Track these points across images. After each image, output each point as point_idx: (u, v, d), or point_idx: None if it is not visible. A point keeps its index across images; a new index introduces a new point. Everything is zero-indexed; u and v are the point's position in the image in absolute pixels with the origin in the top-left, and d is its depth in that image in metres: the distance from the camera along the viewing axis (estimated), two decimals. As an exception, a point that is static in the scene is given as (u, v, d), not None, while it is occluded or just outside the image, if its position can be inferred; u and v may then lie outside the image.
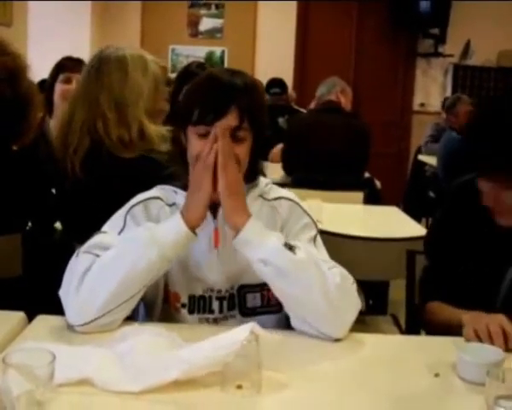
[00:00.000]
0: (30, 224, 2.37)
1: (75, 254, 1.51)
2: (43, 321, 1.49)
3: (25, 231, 2.24)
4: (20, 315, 1.50)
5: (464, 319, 1.54)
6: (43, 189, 2.29)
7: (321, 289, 1.46)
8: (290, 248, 1.48)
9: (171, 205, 1.63)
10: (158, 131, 2.21)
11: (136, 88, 2.19)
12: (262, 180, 1.69)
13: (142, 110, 2.19)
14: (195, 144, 1.55)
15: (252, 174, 1.64)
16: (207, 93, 1.55)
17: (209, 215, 1.59)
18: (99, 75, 2.20)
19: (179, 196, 1.62)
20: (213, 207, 1.58)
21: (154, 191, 1.66)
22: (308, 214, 1.67)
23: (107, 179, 2.17)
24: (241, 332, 1.24)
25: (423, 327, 1.94)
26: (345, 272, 1.55)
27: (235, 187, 1.51)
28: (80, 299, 1.45)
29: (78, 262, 1.49)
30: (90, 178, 2.20)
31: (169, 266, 1.52)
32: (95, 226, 1.60)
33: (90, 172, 2.20)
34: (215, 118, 1.52)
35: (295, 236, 1.61)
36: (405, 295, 2.23)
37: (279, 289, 1.50)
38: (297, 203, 1.68)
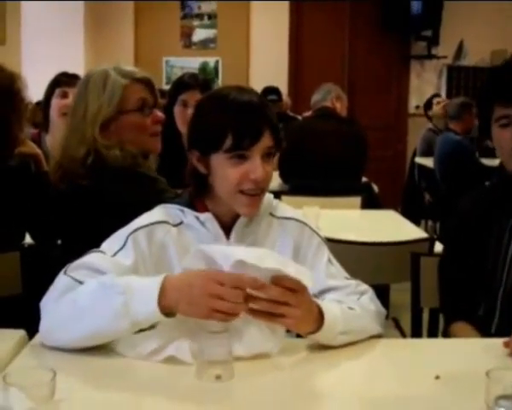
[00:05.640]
0: (31, 240, 2.37)
1: (63, 270, 1.48)
2: (44, 339, 1.48)
3: (24, 249, 2.24)
4: (20, 333, 1.50)
5: None
6: (39, 203, 2.28)
7: (376, 325, 1.57)
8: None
9: (178, 224, 1.57)
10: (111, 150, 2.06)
11: (92, 103, 2.07)
12: (268, 195, 1.64)
13: (98, 126, 2.05)
14: (233, 172, 1.50)
15: None
16: (239, 118, 1.49)
17: (222, 235, 1.56)
18: (80, 90, 2.13)
19: (187, 215, 1.57)
20: (226, 226, 1.57)
21: (159, 213, 1.59)
22: (316, 233, 1.66)
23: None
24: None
25: None
26: (367, 290, 1.62)
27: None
28: (47, 324, 1.44)
29: (60, 282, 1.45)
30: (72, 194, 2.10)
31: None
32: (89, 243, 1.56)
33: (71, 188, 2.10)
34: (252, 142, 1.49)
35: (313, 261, 1.61)
36: (410, 299, 2.21)
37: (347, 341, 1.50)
38: (305, 223, 1.66)
